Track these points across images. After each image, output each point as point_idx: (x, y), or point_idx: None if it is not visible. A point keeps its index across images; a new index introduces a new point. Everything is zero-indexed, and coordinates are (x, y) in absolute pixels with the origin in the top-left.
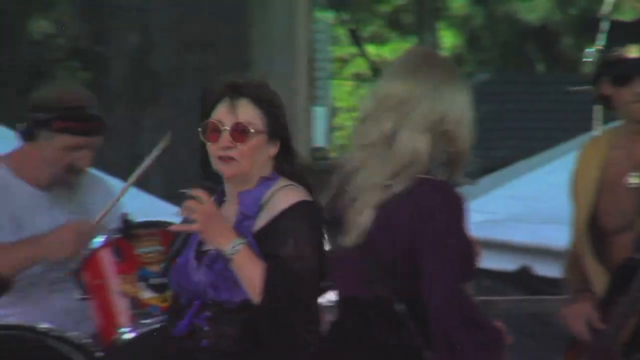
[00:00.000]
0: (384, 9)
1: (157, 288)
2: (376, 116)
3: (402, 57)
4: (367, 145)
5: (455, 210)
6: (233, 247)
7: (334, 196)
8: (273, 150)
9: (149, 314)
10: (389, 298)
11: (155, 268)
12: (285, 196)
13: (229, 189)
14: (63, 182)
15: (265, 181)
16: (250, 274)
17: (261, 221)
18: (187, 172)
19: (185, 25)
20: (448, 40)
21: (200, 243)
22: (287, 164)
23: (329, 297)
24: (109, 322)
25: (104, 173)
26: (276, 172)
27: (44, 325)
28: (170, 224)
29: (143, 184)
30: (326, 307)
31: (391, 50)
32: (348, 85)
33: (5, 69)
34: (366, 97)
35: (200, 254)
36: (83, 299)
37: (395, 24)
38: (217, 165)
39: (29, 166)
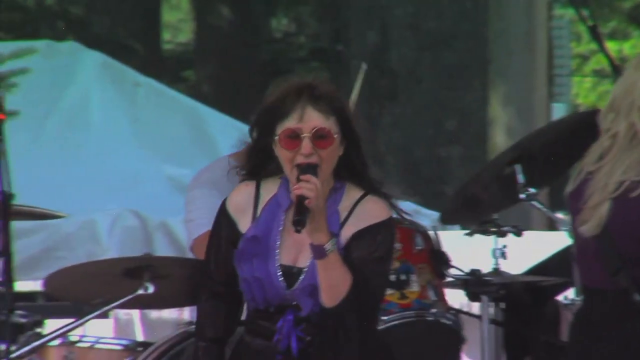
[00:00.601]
0: (625, 4)
1: (396, 285)
2: (624, 109)
3: None
4: (612, 136)
5: None
6: (332, 245)
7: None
8: (341, 150)
9: (386, 310)
10: (628, 289)
11: (393, 265)
12: (372, 209)
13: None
14: None
15: (336, 187)
16: (339, 276)
17: (346, 231)
18: (423, 170)
19: (423, 22)
20: None
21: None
22: (356, 166)
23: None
24: None
25: None
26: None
27: None
28: (407, 221)
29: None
30: (565, 304)
31: (632, 46)
32: (588, 82)
33: (246, 68)
34: (617, 87)
35: (287, 269)
36: None
37: (637, 20)
38: (292, 173)
39: None
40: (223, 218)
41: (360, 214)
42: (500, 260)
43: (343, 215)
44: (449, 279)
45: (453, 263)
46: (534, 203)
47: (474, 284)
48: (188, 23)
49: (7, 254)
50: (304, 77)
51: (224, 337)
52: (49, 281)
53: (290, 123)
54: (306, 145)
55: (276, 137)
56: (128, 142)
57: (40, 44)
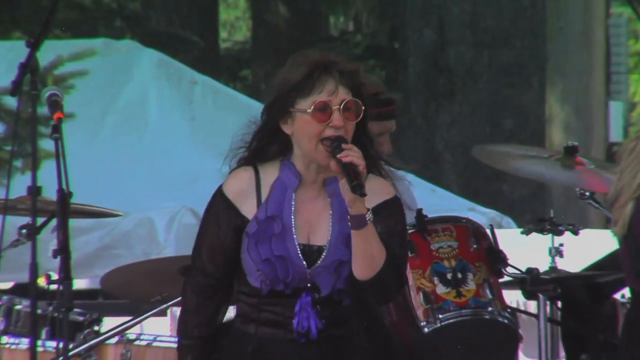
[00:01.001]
0: None
1: (452, 283)
2: None
3: None
4: (638, 137)
5: None
6: (370, 214)
7: None
8: None
9: (443, 308)
10: None
11: (448, 263)
12: (380, 187)
13: (310, 173)
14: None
15: None
16: (376, 246)
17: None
18: (481, 167)
19: (481, 21)
20: None
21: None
22: (364, 143)
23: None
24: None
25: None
26: None
27: None
28: (464, 219)
29: (437, 180)
30: (622, 302)
31: None
32: None
33: None
34: None
35: (306, 248)
36: None
37: None
38: (323, 155)
39: None
40: (222, 204)
41: (370, 192)
42: (557, 259)
43: None
44: (506, 278)
45: (510, 261)
46: (591, 202)
47: (530, 282)
48: (245, 21)
49: (65, 252)
50: (321, 52)
51: (211, 334)
52: (106, 279)
53: (320, 96)
54: (337, 117)
55: (307, 110)
56: (185, 140)
57: (97, 42)
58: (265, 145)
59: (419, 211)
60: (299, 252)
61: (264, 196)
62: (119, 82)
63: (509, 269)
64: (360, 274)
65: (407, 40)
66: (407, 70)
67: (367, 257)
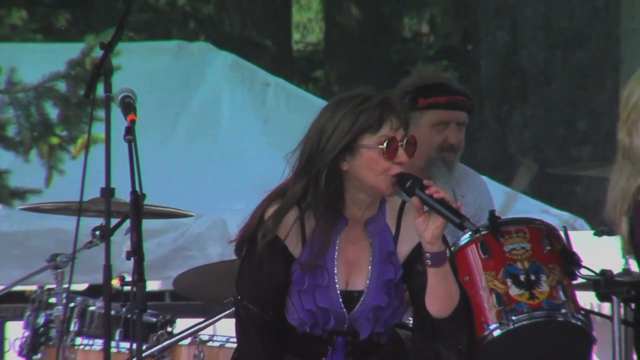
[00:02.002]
0: None
1: (525, 285)
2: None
3: None
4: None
5: None
6: (448, 250)
7: None
8: None
9: (516, 310)
10: None
11: (522, 265)
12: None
13: (359, 210)
14: (438, 163)
15: (381, 205)
16: (453, 283)
17: (403, 246)
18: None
19: (554, 22)
20: None
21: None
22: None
23: None
24: (477, 318)
25: (474, 170)
26: None
27: None
28: (538, 221)
29: (511, 181)
30: None
31: None
32: None
33: (376, 67)
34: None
35: (347, 294)
36: None
37: None
38: (387, 185)
39: None
40: (268, 234)
41: (409, 227)
42: (631, 261)
43: (393, 229)
44: (579, 280)
45: (583, 263)
46: None
47: (604, 284)
48: (318, 23)
49: (138, 253)
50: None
51: None
52: (179, 281)
53: (386, 131)
54: (402, 153)
55: (379, 146)
56: (257, 142)
57: (171, 45)
58: (309, 187)
59: (492, 213)
60: (341, 300)
61: (308, 235)
62: (192, 84)
63: (583, 271)
64: (438, 311)
65: (480, 42)
66: (479, 72)
67: (446, 295)
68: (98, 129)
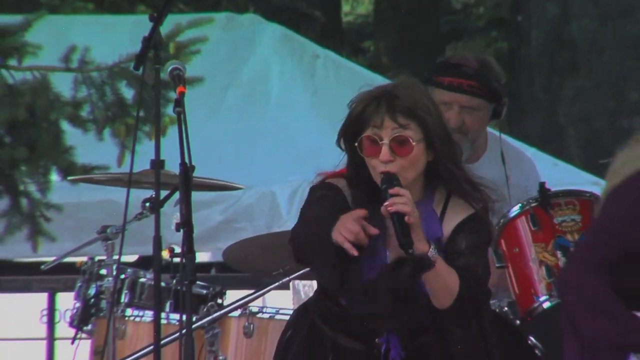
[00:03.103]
0: None
1: None
2: None
3: None
4: None
5: None
6: (434, 250)
7: None
8: (430, 156)
9: None
10: None
11: (572, 237)
12: (463, 205)
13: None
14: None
15: (427, 192)
16: (448, 278)
17: (447, 225)
18: (604, 141)
19: None
20: None
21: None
22: (443, 173)
23: None
24: (527, 290)
25: (523, 142)
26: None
27: None
28: (588, 193)
29: (560, 153)
30: None
31: None
32: None
33: (425, 39)
34: None
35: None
36: (500, 267)
37: None
38: (379, 181)
39: None
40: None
41: (453, 210)
42: None
43: (438, 211)
44: None
45: None
46: None
47: None
48: None
49: (188, 225)
50: (390, 83)
51: None
52: (228, 252)
53: (369, 130)
54: (385, 151)
55: (356, 144)
56: (307, 114)
57: (220, 16)
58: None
59: (542, 185)
60: None
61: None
62: (241, 56)
63: None
64: (438, 304)
65: (530, 14)
66: (529, 43)
67: (440, 289)
68: (170, 110)
